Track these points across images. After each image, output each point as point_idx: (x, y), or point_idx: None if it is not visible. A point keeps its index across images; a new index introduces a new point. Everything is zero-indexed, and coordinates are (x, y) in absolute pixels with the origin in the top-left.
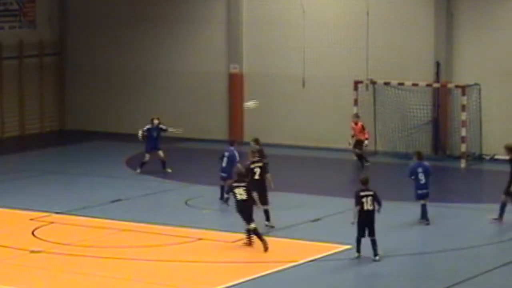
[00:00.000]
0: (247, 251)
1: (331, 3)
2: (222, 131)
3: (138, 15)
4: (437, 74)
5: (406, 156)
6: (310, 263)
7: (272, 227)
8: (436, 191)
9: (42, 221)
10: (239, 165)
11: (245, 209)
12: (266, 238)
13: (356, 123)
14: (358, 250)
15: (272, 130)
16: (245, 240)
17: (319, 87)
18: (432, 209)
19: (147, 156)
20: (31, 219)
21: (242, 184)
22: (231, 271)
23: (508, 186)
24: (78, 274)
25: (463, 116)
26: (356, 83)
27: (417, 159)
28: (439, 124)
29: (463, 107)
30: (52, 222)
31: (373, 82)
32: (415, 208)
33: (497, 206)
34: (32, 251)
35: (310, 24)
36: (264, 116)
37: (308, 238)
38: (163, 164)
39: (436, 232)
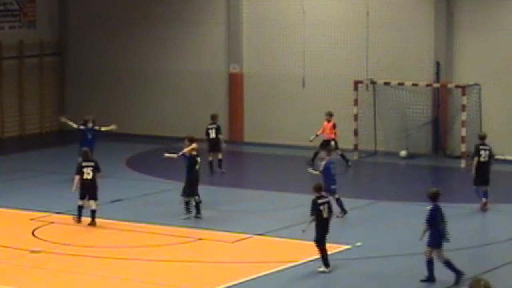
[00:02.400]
0: (247, 251)
1: (331, 3)
2: (222, 131)
3: (138, 15)
4: (437, 74)
5: (406, 156)
6: (310, 263)
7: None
8: None
9: (42, 221)
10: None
11: (90, 187)
12: (267, 238)
13: (328, 121)
14: (327, 264)
15: (272, 130)
16: (75, 218)
17: (319, 87)
18: None
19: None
20: (31, 219)
21: (90, 164)
22: (231, 271)
23: (484, 176)
24: (78, 274)
25: (463, 116)
26: (356, 83)
27: (327, 156)
28: (439, 124)
29: (463, 107)
30: (52, 222)
31: (373, 82)
32: (415, 208)
33: (497, 206)
34: (32, 251)
35: (310, 24)
36: (264, 116)
37: (308, 238)
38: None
39: None
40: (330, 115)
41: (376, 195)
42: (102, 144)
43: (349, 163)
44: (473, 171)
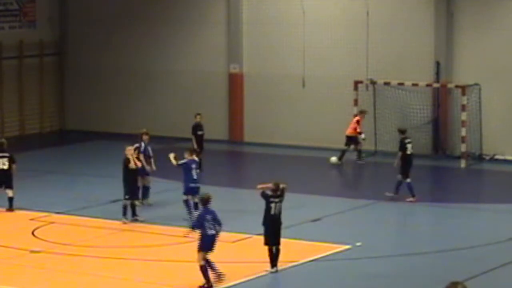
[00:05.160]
0: (247, 251)
1: (331, 3)
2: (222, 131)
3: (138, 15)
4: (437, 74)
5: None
6: (310, 263)
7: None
8: (436, 191)
9: (42, 221)
10: None
11: (7, 177)
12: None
13: (358, 117)
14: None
15: (272, 130)
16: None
17: (319, 87)
18: (432, 209)
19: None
20: (31, 219)
21: (5, 155)
22: (231, 271)
23: (405, 168)
24: (78, 274)
25: (463, 116)
26: (356, 83)
27: (189, 156)
28: (439, 124)
29: (463, 107)
30: (52, 222)
31: (373, 82)
32: (415, 208)
33: (497, 206)
34: (32, 251)
35: (310, 24)
36: (264, 116)
37: (308, 238)
38: (147, 191)
39: (436, 232)
40: (362, 112)
41: (376, 195)
42: (102, 144)
43: (360, 160)
44: (399, 163)
